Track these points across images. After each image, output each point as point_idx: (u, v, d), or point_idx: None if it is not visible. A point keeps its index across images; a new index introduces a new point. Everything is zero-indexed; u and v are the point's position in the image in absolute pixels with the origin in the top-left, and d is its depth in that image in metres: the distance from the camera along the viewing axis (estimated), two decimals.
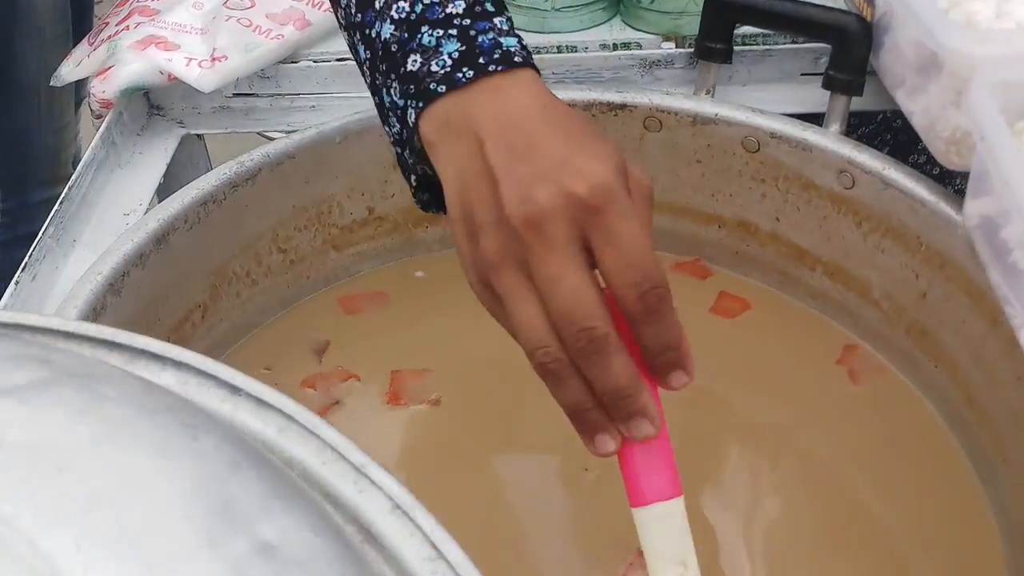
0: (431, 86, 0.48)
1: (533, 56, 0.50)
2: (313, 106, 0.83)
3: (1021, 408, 0.60)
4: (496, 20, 0.50)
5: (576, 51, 0.81)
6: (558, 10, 0.81)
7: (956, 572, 0.61)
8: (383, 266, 0.82)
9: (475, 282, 0.49)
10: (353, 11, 0.54)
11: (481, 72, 0.48)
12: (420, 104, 0.49)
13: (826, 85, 0.73)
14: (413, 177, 0.54)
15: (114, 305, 0.64)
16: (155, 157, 0.78)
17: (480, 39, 0.49)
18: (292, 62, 0.82)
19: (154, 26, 0.80)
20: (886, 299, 0.72)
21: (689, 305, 0.71)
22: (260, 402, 0.32)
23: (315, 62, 0.82)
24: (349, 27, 0.55)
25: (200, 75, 0.76)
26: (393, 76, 0.51)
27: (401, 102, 0.51)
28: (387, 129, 0.54)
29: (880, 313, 0.73)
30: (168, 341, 0.72)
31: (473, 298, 0.49)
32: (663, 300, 0.46)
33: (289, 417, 0.31)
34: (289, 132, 0.75)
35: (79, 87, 1.64)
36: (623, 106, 0.75)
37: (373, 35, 0.52)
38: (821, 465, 0.68)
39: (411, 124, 0.50)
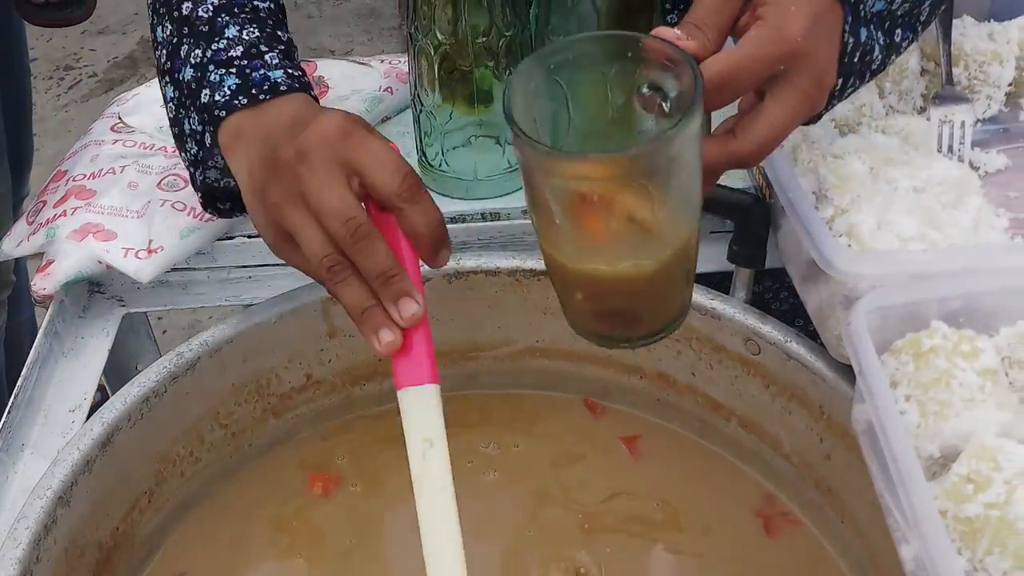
0: (215, 112, 0.66)
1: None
2: (250, 277, 0.86)
3: None
4: (267, 58, 0.68)
5: (499, 218, 0.85)
6: (481, 180, 0.85)
7: None
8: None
9: (269, 232, 0.64)
10: (163, 60, 0.72)
11: (254, 100, 0.66)
12: (211, 128, 0.67)
13: (730, 258, 0.78)
14: (200, 195, 0.73)
15: (64, 516, 0.67)
16: (97, 342, 0.81)
17: (252, 75, 0.67)
18: (228, 238, 0.85)
19: (91, 211, 0.82)
20: (796, 455, 0.77)
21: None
22: None
23: (249, 238, 0.84)
24: (161, 73, 0.72)
25: (138, 267, 0.78)
26: (192, 108, 0.69)
27: (199, 128, 0.68)
28: (183, 155, 0.72)
29: (791, 467, 0.78)
30: (116, 532, 0.74)
31: None
32: (419, 183, 0.61)
33: None
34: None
35: (16, 188, 1.66)
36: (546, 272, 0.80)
37: (179, 77, 0.70)
38: None
39: (208, 145, 0.68)
